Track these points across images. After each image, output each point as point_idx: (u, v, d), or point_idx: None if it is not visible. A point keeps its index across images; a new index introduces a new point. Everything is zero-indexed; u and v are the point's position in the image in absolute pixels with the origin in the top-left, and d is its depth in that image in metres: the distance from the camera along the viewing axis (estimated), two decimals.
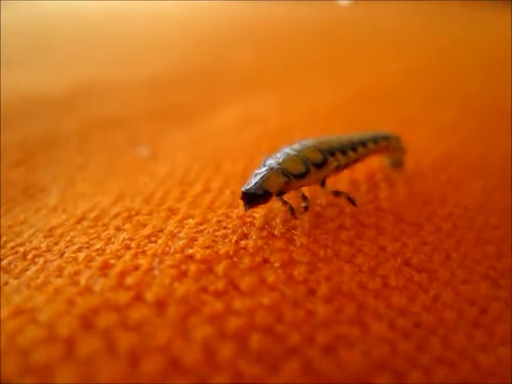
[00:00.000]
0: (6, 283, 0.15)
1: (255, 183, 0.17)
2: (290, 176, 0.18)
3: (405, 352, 0.14)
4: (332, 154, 0.20)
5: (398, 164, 0.23)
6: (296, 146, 0.20)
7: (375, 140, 0.22)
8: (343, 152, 0.20)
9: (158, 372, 0.12)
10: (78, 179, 0.24)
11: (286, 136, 0.27)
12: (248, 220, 0.18)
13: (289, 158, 0.18)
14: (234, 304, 0.14)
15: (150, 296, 0.14)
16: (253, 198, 0.17)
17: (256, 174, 0.18)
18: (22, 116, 0.31)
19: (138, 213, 0.19)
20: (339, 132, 0.27)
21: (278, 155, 0.19)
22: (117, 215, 0.19)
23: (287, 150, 0.19)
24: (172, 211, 0.19)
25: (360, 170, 0.22)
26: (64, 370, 0.12)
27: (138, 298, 0.14)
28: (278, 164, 0.18)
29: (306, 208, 0.19)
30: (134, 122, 0.31)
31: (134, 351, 0.13)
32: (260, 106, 0.33)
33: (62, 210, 0.21)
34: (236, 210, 0.18)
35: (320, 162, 0.19)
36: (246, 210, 0.17)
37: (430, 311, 0.15)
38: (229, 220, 0.18)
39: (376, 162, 0.23)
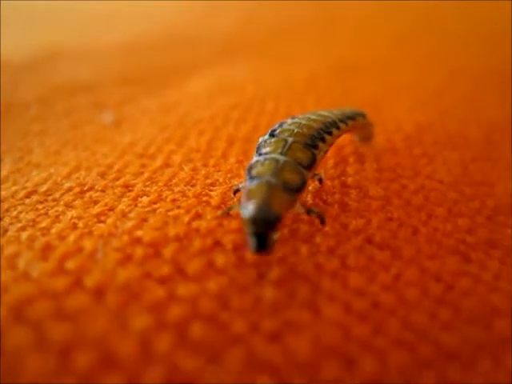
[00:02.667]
0: None
1: (258, 205, 0.14)
2: (291, 192, 0.15)
3: (358, 336, 0.13)
4: (315, 146, 0.17)
5: (367, 138, 0.22)
6: (275, 144, 0.16)
7: (346, 120, 0.19)
8: (322, 139, 0.18)
9: (88, 367, 0.11)
10: (35, 148, 0.22)
11: (259, 107, 0.25)
12: (204, 199, 0.17)
13: (283, 167, 0.15)
14: (177, 290, 0.13)
15: (89, 282, 0.13)
16: (264, 226, 0.13)
17: (249, 191, 0.14)
18: None
19: (91, 188, 0.18)
20: (310, 104, 0.26)
21: (263, 160, 0.16)
22: (69, 190, 0.18)
23: (267, 150, 0.16)
24: (127, 187, 0.18)
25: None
26: None
27: (77, 283, 0.13)
28: (273, 175, 0.15)
29: (322, 219, 0.16)
30: (103, 89, 0.29)
31: (65, 344, 0.12)
32: (236, 75, 0.31)
33: (12, 181, 0.19)
34: (193, 189, 0.17)
35: (310, 162, 0.16)
36: (259, 249, 0.13)
37: (390, 291, 0.14)
38: (184, 199, 0.17)
39: (345, 136, 0.22)
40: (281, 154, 0.16)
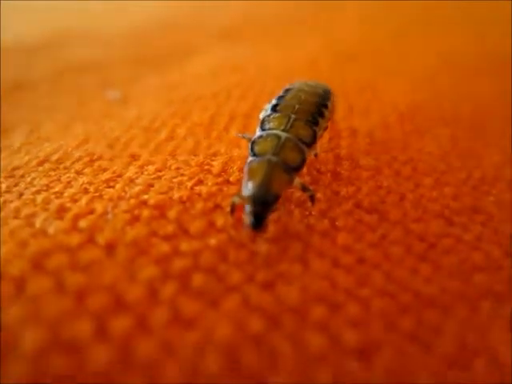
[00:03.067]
0: None
1: (258, 185, 0.14)
2: (290, 170, 0.15)
3: (344, 286, 0.14)
4: (316, 122, 0.17)
5: None
6: (279, 120, 0.17)
7: (329, 91, 0.20)
8: (321, 115, 0.18)
9: (101, 308, 0.13)
10: (45, 122, 0.24)
11: (259, 87, 0.26)
12: (206, 168, 0.18)
13: (284, 145, 0.16)
14: (180, 246, 0.14)
15: (101, 239, 0.14)
16: (263, 206, 0.14)
17: (252, 171, 0.15)
18: None
19: (100, 157, 0.19)
20: None
21: (266, 136, 0.16)
22: (79, 159, 0.19)
23: (271, 125, 0.17)
24: (134, 157, 0.19)
25: None
26: (13, 308, 0.12)
27: (90, 240, 0.14)
28: (274, 154, 0.15)
29: (313, 199, 0.16)
30: (109, 69, 0.31)
31: (80, 290, 0.13)
32: (238, 57, 0.32)
33: (25, 151, 0.21)
34: (195, 158, 0.19)
35: (311, 139, 0.17)
36: (257, 227, 0.14)
37: (376, 248, 0.15)
38: (187, 167, 0.18)
39: (340, 109, 0.23)
40: (283, 130, 0.17)
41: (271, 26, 0.40)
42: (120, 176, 0.18)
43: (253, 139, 0.16)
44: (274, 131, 0.16)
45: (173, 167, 0.18)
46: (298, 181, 0.16)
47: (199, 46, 0.34)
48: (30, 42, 0.35)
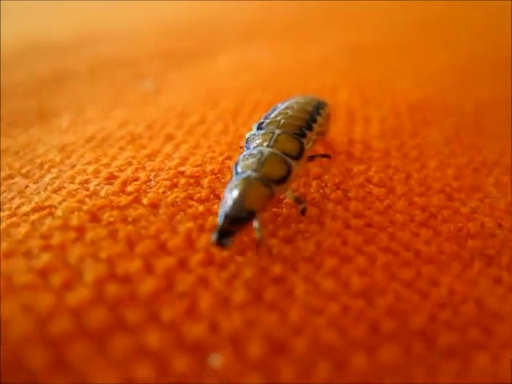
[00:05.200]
0: (27, 186, 0.18)
1: (232, 201, 0.14)
2: (272, 184, 0.15)
3: (353, 243, 0.16)
4: (303, 135, 0.18)
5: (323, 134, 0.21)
6: (262, 137, 0.17)
7: (323, 106, 0.20)
8: (309, 128, 0.18)
9: (148, 253, 0.15)
10: (87, 108, 0.26)
11: (275, 81, 0.29)
12: (234, 146, 0.20)
13: (265, 160, 0.16)
14: (213, 208, 0.17)
15: (146, 200, 0.17)
16: (233, 223, 0.14)
17: (229, 189, 0.15)
18: (33, 57, 0.34)
19: (140, 137, 0.22)
20: (325, 81, 0.29)
21: (250, 153, 0.16)
22: (121, 138, 0.22)
23: (256, 143, 0.17)
24: (170, 137, 0.22)
25: (340, 108, 0.24)
26: (74, 250, 0.15)
27: (136, 200, 0.17)
28: (254, 170, 0.15)
29: (304, 212, 0.16)
30: (141, 63, 0.34)
31: (130, 238, 0.15)
32: (256, 55, 0.35)
33: (72, 131, 0.23)
34: (225, 138, 0.21)
35: (299, 152, 0.17)
36: (219, 244, 0.14)
37: (383, 215, 0.18)
38: (218, 146, 0.20)
39: (355, 100, 0.25)
40: (268, 146, 0.17)
41: (289, 25, 0.43)
42: (159, 152, 0.20)
43: (238, 158, 0.16)
44: (258, 148, 0.17)
45: (205, 145, 0.21)
46: (290, 193, 0.16)
47: (223, 45, 0.37)
48: (63, 40, 0.38)
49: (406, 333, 0.14)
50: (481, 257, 0.17)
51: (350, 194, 0.18)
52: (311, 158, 0.18)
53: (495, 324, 0.14)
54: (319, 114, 0.19)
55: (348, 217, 0.17)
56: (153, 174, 0.18)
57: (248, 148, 0.17)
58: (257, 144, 0.17)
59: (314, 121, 0.19)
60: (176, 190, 0.18)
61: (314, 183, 0.19)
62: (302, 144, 0.17)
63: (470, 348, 0.14)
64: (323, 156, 0.19)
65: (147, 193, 0.17)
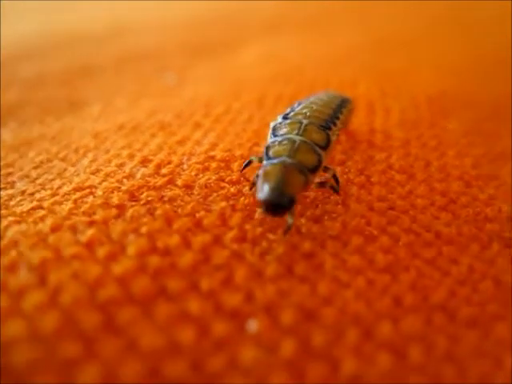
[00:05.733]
0: (65, 169, 0.20)
1: (272, 188, 0.14)
2: (306, 172, 0.15)
3: (377, 223, 0.17)
4: (329, 128, 0.18)
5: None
6: (290, 126, 0.17)
7: (345, 104, 0.21)
8: (334, 123, 0.19)
9: (185, 229, 0.16)
10: (116, 98, 0.28)
11: (298, 74, 0.30)
12: (261, 134, 0.21)
13: (299, 147, 0.16)
14: (244, 189, 0.18)
15: (180, 182, 0.18)
16: (275, 209, 0.14)
17: (266, 174, 0.15)
18: (62, 49, 0.35)
19: (169, 125, 0.23)
20: (347, 73, 0.30)
21: (280, 140, 0.16)
22: (151, 126, 0.23)
23: (283, 131, 0.17)
24: (198, 125, 0.23)
25: (361, 100, 0.25)
26: (116, 225, 0.16)
27: (171, 182, 0.18)
28: (289, 156, 0.15)
29: (334, 188, 0.17)
30: (166, 55, 0.35)
31: (168, 216, 0.16)
32: (279, 48, 0.36)
33: (103, 120, 0.24)
34: (251, 126, 0.22)
35: (326, 143, 0.17)
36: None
37: (404, 199, 0.18)
38: (244, 133, 0.21)
39: (376, 91, 0.26)
40: (297, 134, 0.17)
41: (313, 18, 0.43)
42: (188, 138, 0.21)
43: (267, 144, 0.17)
44: (288, 135, 0.17)
45: (232, 132, 0.22)
46: (316, 185, 0.17)
47: (247, 38, 0.38)
48: (92, 32, 0.39)
49: (428, 306, 0.15)
50: (499, 239, 0.18)
51: (372, 179, 0.19)
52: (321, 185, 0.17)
53: None
54: (341, 112, 0.20)
55: (372, 200, 0.18)
56: (185, 157, 0.19)
57: (275, 135, 0.17)
58: (285, 132, 0.17)
59: (337, 117, 0.19)
60: (208, 172, 0.19)
61: (338, 169, 0.19)
62: (328, 135, 0.17)
63: (489, 319, 0.14)
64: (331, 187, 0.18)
65: (181, 175, 0.18)
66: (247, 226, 0.16)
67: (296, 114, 0.18)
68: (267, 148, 0.16)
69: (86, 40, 0.37)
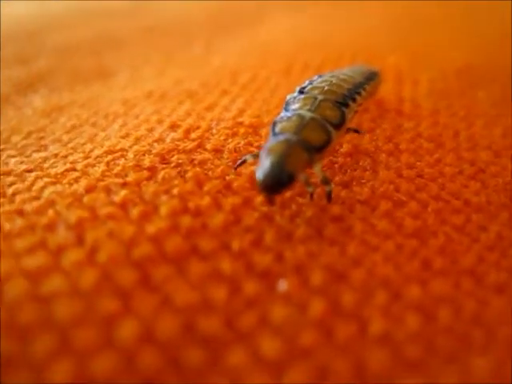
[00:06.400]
0: (96, 134, 0.20)
1: (272, 163, 0.14)
2: (312, 150, 0.15)
3: (405, 190, 0.17)
4: (346, 105, 0.17)
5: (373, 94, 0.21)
6: (304, 101, 0.16)
7: (370, 80, 0.20)
8: (353, 99, 0.18)
9: (215, 191, 0.16)
10: (143, 68, 0.28)
11: (325, 45, 0.29)
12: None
13: (307, 124, 0.15)
14: None
15: (209, 146, 0.18)
16: (274, 186, 0.14)
17: (267, 150, 0.14)
18: (90, 22, 0.35)
19: (196, 93, 0.23)
20: (370, 50, 0.30)
21: (290, 116, 0.16)
22: (179, 94, 0.23)
23: (296, 106, 0.16)
24: (225, 92, 0.23)
25: (389, 70, 0.25)
26: (148, 187, 0.16)
27: (201, 146, 0.18)
28: (295, 133, 0.15)
29: (330, 196, 0.15)
30: (192, 28, 0.35)
31: (199, 178, 0.16)
32: (306, 20, 0.35)
33: (132, 88, 0.25)
34: (278, 93, 0.22)
35: (340, 121, 0.16)
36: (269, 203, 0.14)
37: (433, 167, 0.18)
38: (272, 99, 0.21)
39: (404, 63, 0.26)
40: (309, 110, 0.16)
41: None
42: (216, 105, 0.21)
43: (275, 119, 0.16)
44: (298, 111, 0.16)
45: (259, 99, 0.22)
46: (319, 171, 0.15)
47: (272, 10, 0.38)
48: (123, 4, 0.39)
49: (457, 270, 0.15)
50: None
51: (401, 147, 0.19)
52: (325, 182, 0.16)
53: None
54: (364, 88, 0.19)
55: (400, 167, 0.18)
56: (213, 123, 0.19)
57: (287, 110, 0.16)
58: (297, 107, 0.16)
59: (359, 93, 0.18)
60: (237, 137, 0.19)
61: (367, 136, 0.19)
62: (343, 113, 0.16)
63: None
64: (355, 131, 0.18)
65: (210, 139, 0.18)
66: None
67: (313, 88, 0.17)
68: (274, 123, 0.16)
69: (113, 13, 0.37)
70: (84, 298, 0.13)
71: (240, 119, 0.20)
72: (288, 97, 0.17)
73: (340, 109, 0.16)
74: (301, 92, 0.17)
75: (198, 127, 0.19)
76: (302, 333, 0.12)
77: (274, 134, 0.15)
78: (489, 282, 0.14)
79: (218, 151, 0.18)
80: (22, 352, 0.12)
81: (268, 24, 0.35)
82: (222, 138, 0.19)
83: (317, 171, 0.15)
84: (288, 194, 0.16)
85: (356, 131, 0.18)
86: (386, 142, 0.19)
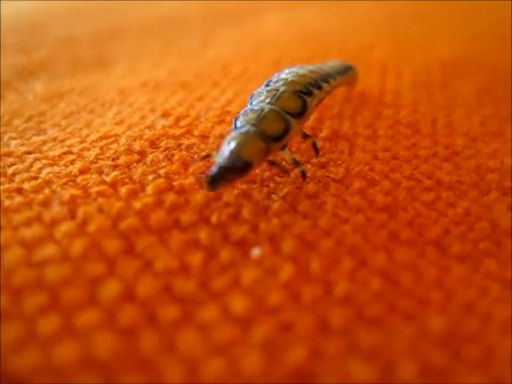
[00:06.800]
0: (93, 121, 0.21)
1: (229, 151, 0.15)
2: (269, 140, 0.15)
3: (380, 170, 0.18)
4: (309, 93, 0.18)
5: (351, 84, 0.23)
6: (266, 94, 0.17)
7: (342, 72, 0.21)
8: (319, 87, 0.18)
9: (200, 172, 0.17)
10: (141, 59, 0.29)
11: (316, 40, 0.30)
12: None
13: (265, 116, 0.16)
14: None
15: (196, 132, 0.19)
16: (228, 173, 0.14)
17: (226, 140, 0.15)
18: (90, 14, 0.37)
19: (189, 84, 0.24)
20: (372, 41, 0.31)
21: (251, 109, 0.16)
22: (172, 84, 0.24)
23: (259, 99, 0.17)
24: (216, 84, 0.24)
25: (374, 64, 0.26)
26: (138, 168, 0.17)
27: (189, 132, 0.19)
28: (253, 125, 0.15)
29: (304, 175, 0.17)
30: (188, 21, 0.36)
31: (184, 161, 0.18)
32: (299, 16, 0.37)
33: (129, 77, 0.26)
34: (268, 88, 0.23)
35: (300, 110, 0.17)
36: (212, 189, 0.14)
37: (408, 150, 0.19)
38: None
39: (390, 58, 0.27)
40: (269, 103, 0.17)
41: None
42: (207, 95, 0.23)
43: (237, 113, 0.17)
44: (259, 104, 0.17)
45: (248, 90, 0.22)
46: (288, 155, 0.16)
47: (268, 5, 0.39)
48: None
49: (423, 241, 0.15)
50: (498, 188, 0.18)
51: (379, 133, 0.20)
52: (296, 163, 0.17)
53: (506, 240, 0.16)
54: (335, 78, 0.20)
55: (376, 150, 0.19)
56: (203, 112, 0.21)
57: (251, 104, 0.17)
58: (259, 100, 0.17)
59: (327, 81, 0.19)
60: (223, 124, 0.20)
61: (347, 122, 0.20)
62: (304, 102, 0.17)
63: (480, 255, 0.15)
64: (300, 170, 0.17)
65: (198, 126, 0.20)
66: (257, 171, 0.17)
67: (277, 81, 0.18)
68: (236, 118, 0.16)
69: (113, 5, 0.39)
70: (73, 262, 0.14)
71: (228, 108, 0.21)
72: (254, 91, 0.18)
73: (301, 98, 0.17)
74: (267, 85, 0.18)
75: (188, 115, 0.20)
76: (270, 293, 0.13)
77: (235, 127, 0.16)
78: (452, 251, 0.15)
79: (204, 137, 0.19)
80: (17, 307, 0.13)
81: (263, 18, 0.36)
82: (209, 125, 0.20)
83: (285, 155, 0.16)
84: (267, 173, 0.17)
85: (315, 149, 0.18)
86: (365, 128, 0.20)
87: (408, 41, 0.31)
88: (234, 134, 0.15)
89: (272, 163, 0.16)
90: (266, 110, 0.16)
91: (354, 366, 0.12)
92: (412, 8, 0.39)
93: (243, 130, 0.15)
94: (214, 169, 0.14)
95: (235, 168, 0.14)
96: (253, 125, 0.15)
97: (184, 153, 0.18)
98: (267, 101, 0.17)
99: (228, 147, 0.15)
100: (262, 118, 0.16)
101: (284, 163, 0.17)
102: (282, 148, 0.16)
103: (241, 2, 0.40)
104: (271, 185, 0.17)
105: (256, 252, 0.14)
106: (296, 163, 0.16)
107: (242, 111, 0.16)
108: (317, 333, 0.13)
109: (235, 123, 0.16)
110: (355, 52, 0.28)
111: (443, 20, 0.36)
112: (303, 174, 0.17)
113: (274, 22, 0.35)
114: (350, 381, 0.12)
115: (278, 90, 0.17)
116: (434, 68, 0.27)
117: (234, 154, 0.14)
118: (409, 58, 0.27)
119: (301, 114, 0.17)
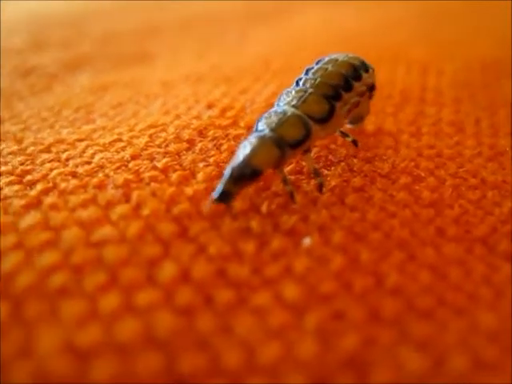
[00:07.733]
0: (139, 111, 0.22)
1: (240, 158, 0.14)
2: (285, 146, 0.15)
3: (425, 167, 0.18)
4: (338, 96, 0.16)
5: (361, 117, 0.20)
6: (294, 94, 0.16)
7: (368, 64, 0.18)
8: (349, 87, 0.17)
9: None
10: (181, 54, 0.30)
11: (353, 38, 0.30)
12: None
13: (286, 121, 0.15)
14: None
15: (243, 123, 0.20)
16: (237, 180, 0.14)
17: (243, 144, 0.15)
18: (129, 11, 0.38)
19: (230, 78, 0.25)
20: (397, 41, 0.31)
21: (274, 112, 0.16)
22: (214, 78, 0.25)
23: (285, 101, 0.16)
24: (258, 78, 0.24)
25: (414, 62, 0.26)
26: (187, 156, 0.18)
27: (235, 123, 0.20)
28: (272, 130, 0.15)
29: (321, 187, 0.16)
30: (227, 20, 0.37)
31: (233, 150, 0.18)
32: (336, 14, 0.37)
33: (171, 71, 0.27)
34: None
35: (326, 115, 0.16)
36: (218, 200, 0.14)
37: (452, 148, 0.19)
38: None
39: (429, 56, 0.27)
40: (294, 106, 0.16)
41: None
42: (249, 89, 0.23)
43: (260, 116, 0.16)
44: (284, 107, 0.16)
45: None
46: (311, 163, 0.16)
47: (305, 4, 0.39)
48: None
49: (470, 238, 0.16)
50: None
51: (422, 130, 0.20)
52: (316, 174, 0.16)
53: None
54: (364, 70, 0.18)
55: (421, 147, 0.19)
56: (247, 104, 0.21)
57: (278, 105, 0.17)
58: (286, 102, 0.16)
59: (357, 78, 0.17)
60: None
61: (390, 119, 0.20)
62: (332, 107, 0.16)
63: None
64: (318, 182, 0.16)
65: (244, 118, 0.20)
66: (303, 163, 0.18)
67: (307, 80, 0.17)
68: (259, 119, 0.16)
69: (153, 3, 0.39)
70: (130, 243, 0.14)
71: (272, 101, 0.21)
72: (284, 90, 0.17)
73: (329, 102, 0.16)
74: (297, 83, 0.17)
75: (233, 107, 0.21)
76: (322, 282, 0.14)
77: (256, 130, 0.16)
78: (500, 250, 0.15)
79: (251, 128, 0.19)
80: (78, 285, 0.13)
81: (300, 18, 0.37)
82: (254, 116, 0.20)
83: (307, 161, 0.16)
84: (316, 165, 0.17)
85: (354, 143, 0.18)
86: (408, 125, 0.20)
87: (445, 38, 0.31)
88: (250, 137, 0.15)
89: (284, 181, 0.15)
90: (288, 114, 0.15)
91: (407, 355, 0.12)
92: (448, 6, 0.38)
93: (260, 134, 0.15)
94: (224, 178, 0.14)
95: (244, 175, 0.14)
96: (272, 129, 0.15)
97: (232, 142, 0.18)
98: (293, 103, 0.16)
99: (240, 152, 0.15)
100: (282, 122, 0.15)
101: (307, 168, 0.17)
102: (305, 152, 0.16)
103: (277, 2, 0.40)
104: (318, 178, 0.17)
105: (307, 241, 0.15)
106: (316, 173, 0.16)
107: (266, 113, 0.16)
108: (369, 322, 0.13)
109: (257, 125, 0.16)
110: (394, 50, 0.28)
111: (481, 20, 0.36)
112: (320, 187, 0.16)
113: (310, 22, 0.36)
114: (403, 370, 0.12)
115: (306, 92, 0.16)
116: (474, 67, 0.26)
117: (244, 160, 0.14)
118: (448, 57, 0.27)
119: (326, 119, 0.16)
